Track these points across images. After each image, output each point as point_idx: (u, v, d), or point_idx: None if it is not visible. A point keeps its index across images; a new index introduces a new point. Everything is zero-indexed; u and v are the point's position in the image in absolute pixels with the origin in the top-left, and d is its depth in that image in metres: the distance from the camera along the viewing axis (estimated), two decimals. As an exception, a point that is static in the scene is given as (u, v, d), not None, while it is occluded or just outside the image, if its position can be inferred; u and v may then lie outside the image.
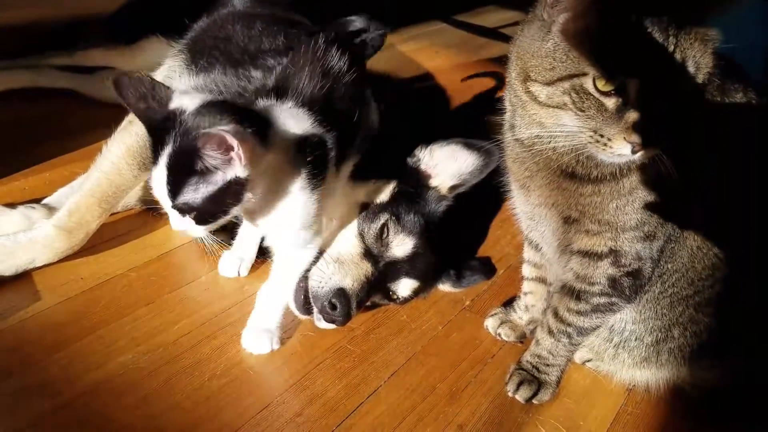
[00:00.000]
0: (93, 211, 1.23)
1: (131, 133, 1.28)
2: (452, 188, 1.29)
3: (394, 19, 3.02)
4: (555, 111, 0.86)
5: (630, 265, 0.97)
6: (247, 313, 1.20)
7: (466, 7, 3.32)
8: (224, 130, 0.86)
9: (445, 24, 3.19)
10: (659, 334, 1.06)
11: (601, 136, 0.82)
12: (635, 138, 0.79)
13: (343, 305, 1.11)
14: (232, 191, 0.92)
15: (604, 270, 0.98)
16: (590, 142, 0.83)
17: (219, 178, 0.91)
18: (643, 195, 0.92)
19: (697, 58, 0.79)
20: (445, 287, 1.35)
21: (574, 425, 1.07)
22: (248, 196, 0.95)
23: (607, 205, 0.93)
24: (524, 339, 1.23)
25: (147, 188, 1.41)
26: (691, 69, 0.79)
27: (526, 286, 1.23)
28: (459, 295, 1.35)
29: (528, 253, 1.20)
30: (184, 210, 0.94)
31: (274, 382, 1.07)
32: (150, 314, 1.16)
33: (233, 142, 0.87)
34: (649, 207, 0.93)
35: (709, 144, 0.93)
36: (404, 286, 1.24)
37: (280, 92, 1.09)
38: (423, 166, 1.28)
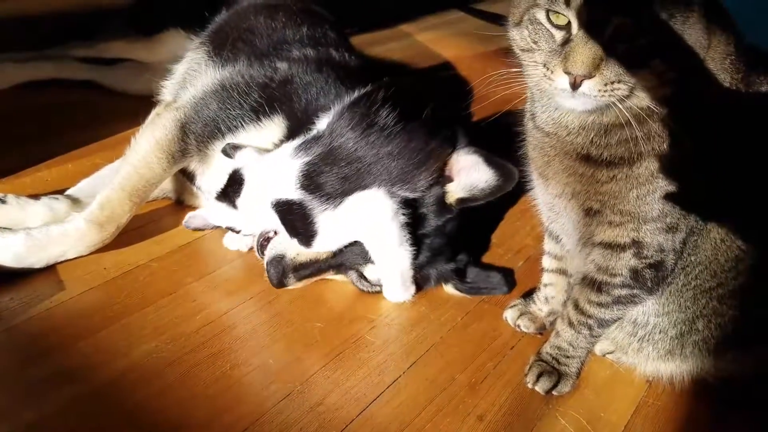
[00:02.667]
0: (124, 205, 1.24)
1: (159, 126, 1.30)
2: (460, 201, 1.22)
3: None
4: (528, 55, 0.88)
5: (652, 257, 0.96)
6: (267, 302, 1.22)
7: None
8: None
9: (463, 13, 3.18)
10: (683, 327, 1.05)
11: (547, 69, 0.83)
12: (570, 66, 0.79)
13: (277, 271, 1.18)
14: None
15: (626, 261, 0.97)
16: (542, 78, 0.85)
17: None
18: (663, 185, 0.91)
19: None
20: (447, 288, 1.32)
21: (594, 417, 1.07)
22: None
23: (626, 194, 0.92)
24: (544, 331, 1.23)
25: (175, 180, 1.42)
26: (663, 14, 0.78)
27: (546, 277, 1.22)
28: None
29: (548, 245, 1.19)
30: None
31: (295, 372, 1.08)
32: (172, 304, 1.18)
33: None
34: (669, 197, 0.92)
35: (733, 133, 0.92)
36: (371, 271, 1.24)
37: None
38: (449, 166, 1.22)
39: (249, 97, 1.30)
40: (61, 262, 1.22)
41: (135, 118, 1.41)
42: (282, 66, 1.35)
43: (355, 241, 1.20)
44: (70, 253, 1.22)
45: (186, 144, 1.30)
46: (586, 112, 0.88)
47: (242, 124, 1.29)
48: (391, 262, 1.20)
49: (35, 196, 1.30)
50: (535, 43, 0.85)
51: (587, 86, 0.80)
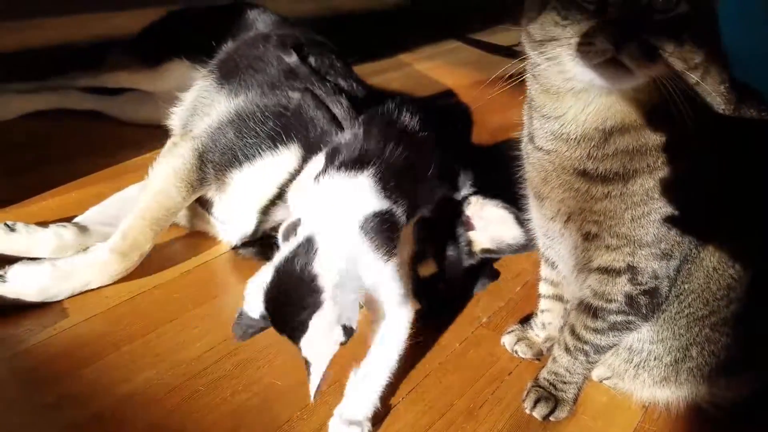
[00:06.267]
0: (146, 234, 1.26)
1: (177, 155, 1.32)
2: (484, 251, 1.31)
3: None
4: (548, 45, 0.86)
5: (647, 283, 0.98)
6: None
7: (481, 27, 3.36)
8: None
9: (460, 43, 3.24)
10: (678, 354, 1.06)
11: (578, 39, 0.81)
12: (610, 30, 0.77)
13: None
14: None
15: (621, 287, 0.99)
16: (569, 53, 0.82)
17: None
18: (658, 206, 0.92)
19: None
20: None
21: (591, 442, 1.08)
22: None
23: (622, 214, 0.93)
24: (541, 356, 1.24)
25: (190, 209, 1.44)
26: None
27: (543, 303, 1.24)
28: (476, 313, 1.36)
29: (545, 271, 1.21)
30: None
31: (295, 397, 1.09)
32: (173, 330, 1.19)
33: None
34: (664, 220, 0.93)
35: (724, 159, 0.93)
36: None
37: None
38: (469, 212, 1.28)
39: (265, 126, 1.32)
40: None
41: (139, 147, 1.44)
42: (295, 96, 1.38)
43: None
44: (93, 284, 1.23)
45: (204, 173, 1.32)
46: (609, 95, 0.87)
47: (259, 152, 1.31)
48: None
49: (43, 224, 1.31)
50: (566, 19, 0.82)
51: (625, 56, 0.78)
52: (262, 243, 1.36)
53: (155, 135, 1.52)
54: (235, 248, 1.42)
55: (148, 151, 1.43)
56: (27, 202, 1.48)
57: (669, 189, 0.91)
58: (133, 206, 1.29)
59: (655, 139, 0.89)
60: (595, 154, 0.92)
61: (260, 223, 1.36)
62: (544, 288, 1.23)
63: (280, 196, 1.32)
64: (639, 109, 0.88)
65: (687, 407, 1.11)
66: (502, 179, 1.22)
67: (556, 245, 1.08)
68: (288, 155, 1.31)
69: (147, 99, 1.89)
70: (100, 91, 1.96)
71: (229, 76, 1.54)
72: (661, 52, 0.79)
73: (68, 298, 1.21)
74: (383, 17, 3.37)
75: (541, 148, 0.99)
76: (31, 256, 1.24)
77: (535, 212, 1.09)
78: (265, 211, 1.35)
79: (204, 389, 1.08)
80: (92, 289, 1.24)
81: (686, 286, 1.01)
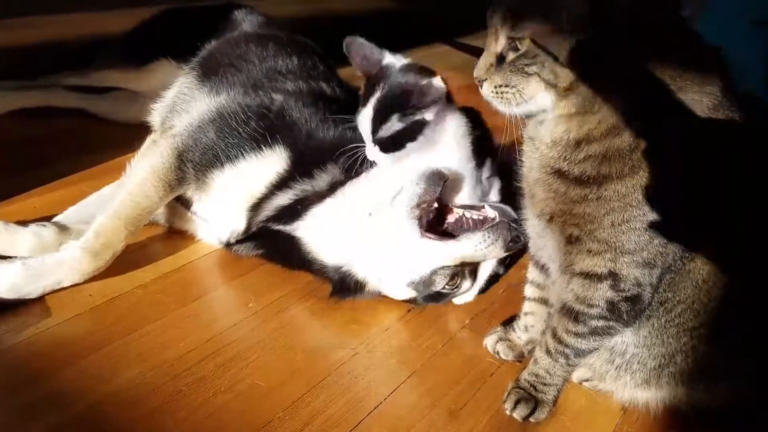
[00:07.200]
0: (119, 233, 1.25)
1: (156, 154, 1.30)
2: None
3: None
4: None
5: (629, 290, 0.98)
6: (250, 330, 1.23)
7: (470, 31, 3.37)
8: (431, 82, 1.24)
9: (449, 47, 3.25)
10: (663, 360, 1.08)
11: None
12: (473, 71, 0.94)
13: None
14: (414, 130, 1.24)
15: (603, 293, 0.99)
16: None
17: (409, 119, 1.22)
18: (637, 214, 0.93)
19: None
20: None
21: (570, 444, 1.09)
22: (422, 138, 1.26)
23: (601, 219, 0.94)
24: (522, 358, 1.25)
25: (165, 206, 1.43)
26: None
27: (527, 306, 1.25)
28: (459, 315, 1.37)
29: (532, 274, 1.22)
30: (379, 142, 1.21)
31: (277, 399, 1.09)
32: (156, 330, 1.19)
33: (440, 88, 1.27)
34: (645, 229, 0.94)
35: (710, 169, 0.93)
36: None
37: None
38: None
39: (248, 126, 1.31)
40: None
41: (124, 146, 1.43)
42: (277, 98, 1.38)
43: None
44: (65, 282, 1.22)
45: (183, 172, 1.30)
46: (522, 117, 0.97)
47: (242, 153, 1.30)
48: None
49: (23, 223, 1.30)
50: None
51: (484, 88, 0.93)
52: (257, 237, 1.36)
53: (141, 134, 1.51)
54: (228, 245, 1.41)
55: (133, 150, 1.42)
56: (9, 201, 1.46)
57: (646, 197, 0.92)
58: (109, 204, 1.28)
59: (618, 147, 0.90)
60: (569, 157, 0.94)
61: (251, 219, 1.35)
62: (529, 290, 1.23)
63: (270, 195, 1.31)
64: (585, 124, 0.91)
65: (666, 409, 1.13)
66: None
67: (547, 247, 1.09)
68: (273, 157, 1.30)
69: (133, 98, 1.89)
70: (87, 89, 1.95)
71: (209, 73, 1.52)
72: (506, 84, 0.91)
73: (43, 295, 1.21)
74: (372, 20, 3.38)
75: (537, 149, 1.01)
76: (11, 254, 1.24)
77: (528, 210, 1.10)
78: (255, 208, 1.34)
79: (186, 390, 1.08)
80: (67, 287, 1.24)
81: (670, 295, 1.01)
